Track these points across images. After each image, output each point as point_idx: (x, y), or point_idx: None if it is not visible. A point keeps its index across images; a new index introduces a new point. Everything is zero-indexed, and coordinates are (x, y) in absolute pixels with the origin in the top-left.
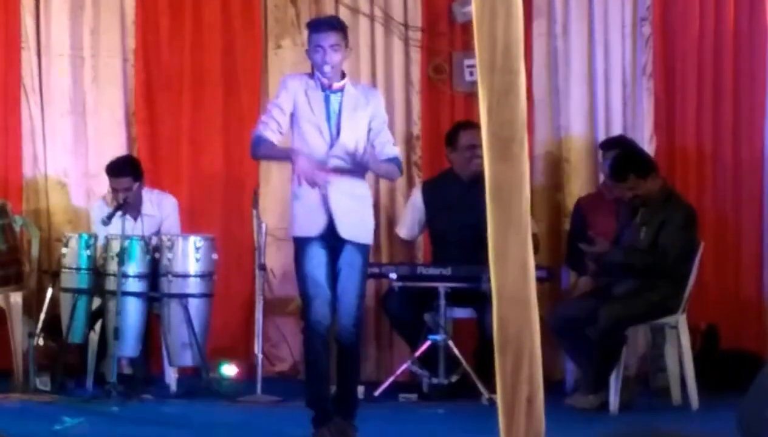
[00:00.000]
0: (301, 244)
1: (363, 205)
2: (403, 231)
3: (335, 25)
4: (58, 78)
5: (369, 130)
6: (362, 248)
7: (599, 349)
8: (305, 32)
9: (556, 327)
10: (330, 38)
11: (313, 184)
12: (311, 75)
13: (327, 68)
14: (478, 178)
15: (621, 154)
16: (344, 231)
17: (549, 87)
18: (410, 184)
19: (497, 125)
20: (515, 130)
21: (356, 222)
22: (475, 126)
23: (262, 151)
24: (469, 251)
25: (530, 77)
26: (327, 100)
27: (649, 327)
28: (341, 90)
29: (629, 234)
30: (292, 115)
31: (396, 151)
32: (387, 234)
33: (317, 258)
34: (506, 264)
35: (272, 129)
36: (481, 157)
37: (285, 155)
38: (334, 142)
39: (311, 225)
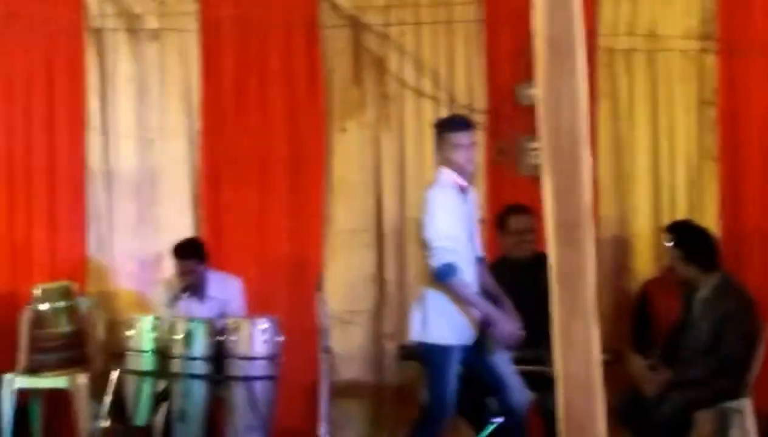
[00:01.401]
0: (449, 354)
1: None
2: None
3: (470, 123)
4: (124, 159)
5: None
6: None
7: (665, 434)
8: (371, 113)
9: (623, 411)
10: (470, 136)
11: (512, 343)
12: (443, 178)
13: (471, 166)
14: (532, 260)
15: (689, 228)
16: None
17: (614, 171)
18: None
19: (563, 211)
20: (580, 216)
21: None
22: (525, 210)
23: (461, 291)
24: (529, 332)
25: (595, 160)
26: (464, 202)
27: (714, 412)
28: (468, 189)
29: (689, 328)
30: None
31: None
32: None
33: (457, 366)
34: (571, 350)
35: (451, 251)
36: (530, 242)
37: (485, 311)
38: (474, 242)
39: (470, 334)
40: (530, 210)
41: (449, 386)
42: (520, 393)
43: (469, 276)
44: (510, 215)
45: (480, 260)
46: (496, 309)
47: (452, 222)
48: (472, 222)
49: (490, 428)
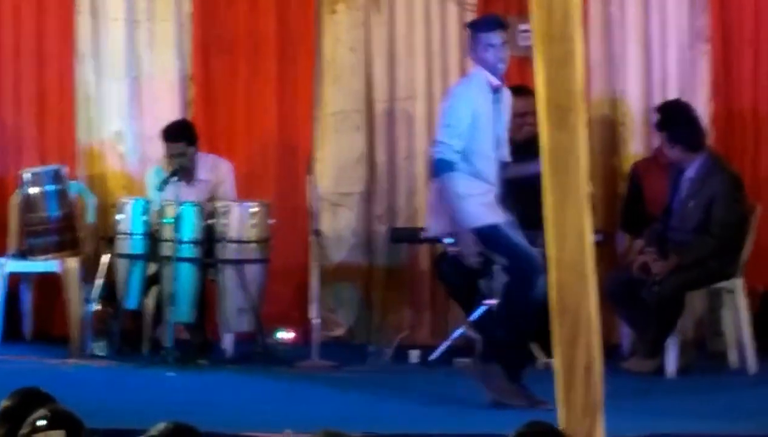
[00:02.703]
0: (498, 228)
1: None
2: None
3: (502, 23)
4: (113, 42)
5: None
6: None
7: (657, 315)
8: None
9: (613, 292)
10: (500, 35)
11: (470, 263)
12: (476, 75)
13: (502, 65)
14: (529, 141)
15: (674, 110)
16: None
17: (605, 52)
18: None
19: (554, 94)
20: (573, 99)
21: None
22: (527, 92)
23: (449, 188)
24: (522, 213)
25: (586, 43)
26: (496, 102)
27: (707, 291)
28: (501, 89)
29: (678, 206)
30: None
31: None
32: None
33: (516, 234)
34: (564, 233)
35: (456, 150)
36: (531, 124)
37: (458, 220)
38: (501, 144)
39: (500, 215)
40: (531, 91)
41: (519, 245)
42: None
43: (491, 177)
44: (511, 97)
45: (504, 165)
46: (466, 229)
47: (473, 120)
48: (500, 124)
49: (481, 309)
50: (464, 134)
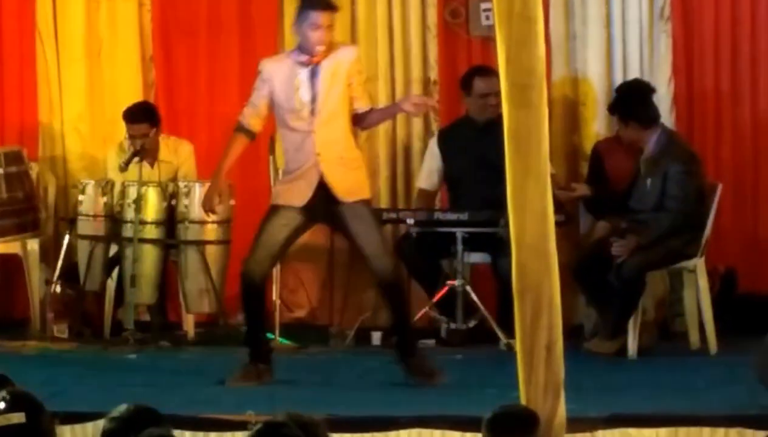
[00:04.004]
0: (275, 210)
1: (355, 167)
2: (423, 181)
3: (333, 5)
4: (74, 22)
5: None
6: (364, 202)
7: (620, 296)
8: None
9: (577, 272)
10: (327, 18)
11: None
12: (291, 52)
13: (321, 48)
14: (493, 122)
15: (625, 89)
16: (344, 196)
17: (566, 31)
18: (428, 130)
19: (516, 73)
20: (534, 78)
21: (351, 184)
22: (490, 73)
23: (228, 145)
24: (484, 194)
25: (547, 22)
26: (312, 75)
27: (667, 272)
28: (320, 63)
29: (637, 187)
30: (272, 98)
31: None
32: (404, 181)
33: (281, 222)
34: (525, 213)
35: (249, 116)
36: (494, 105)
37: (219, 169)
38: (316, 117)
39: (294, 198)
40: (494, 72)
41: (259, 237)
42: (380, 260)
43: (300, 152)
44: (474, 77)
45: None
46: (215, 182)
47: (274, 97)
48: (318, 94)
49: (443, 290)
50: (259, 106)
